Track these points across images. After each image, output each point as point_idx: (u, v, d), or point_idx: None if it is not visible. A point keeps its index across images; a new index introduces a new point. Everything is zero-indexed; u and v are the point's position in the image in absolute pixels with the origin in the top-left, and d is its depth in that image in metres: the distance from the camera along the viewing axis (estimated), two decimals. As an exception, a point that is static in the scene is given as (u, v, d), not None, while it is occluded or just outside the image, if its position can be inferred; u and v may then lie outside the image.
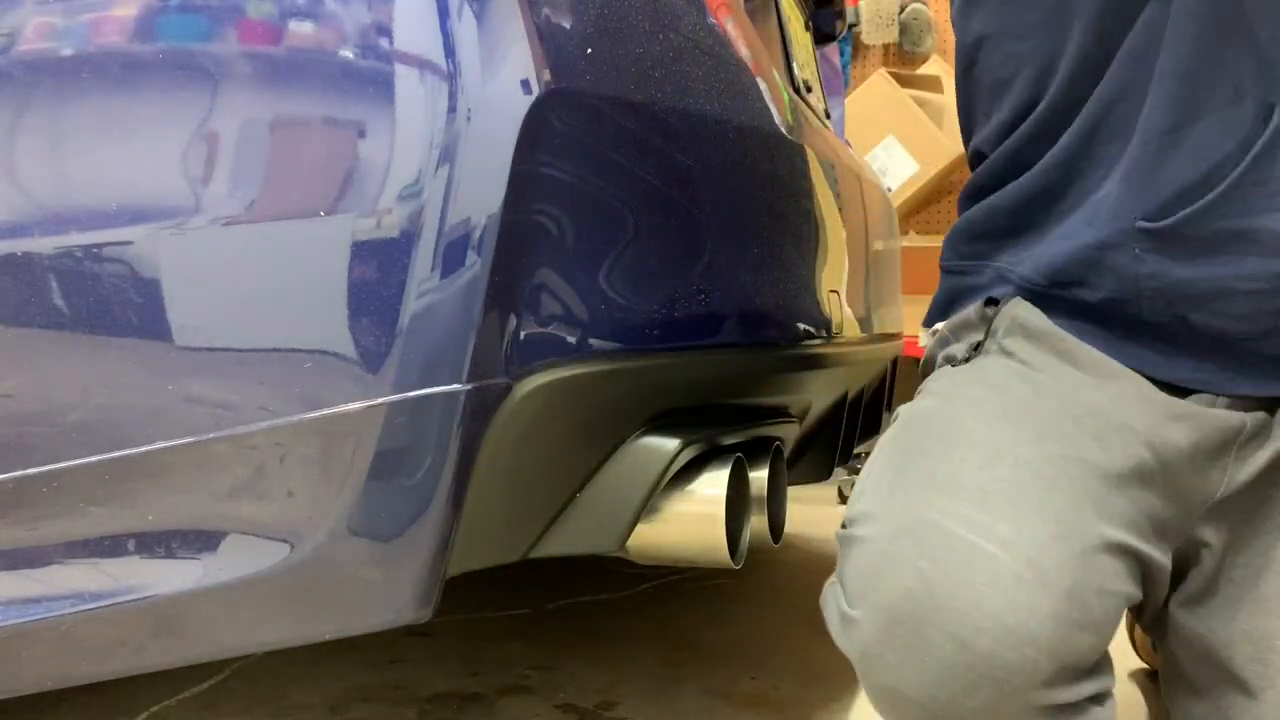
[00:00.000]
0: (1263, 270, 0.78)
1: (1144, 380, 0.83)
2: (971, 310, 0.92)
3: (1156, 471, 0.81)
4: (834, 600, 0.79)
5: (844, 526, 0.80)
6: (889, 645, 0.73)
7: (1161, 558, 0.82)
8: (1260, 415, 0.83)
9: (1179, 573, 0.88)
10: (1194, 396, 0.83)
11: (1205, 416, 0.82)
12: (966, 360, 0.89)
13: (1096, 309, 0.84)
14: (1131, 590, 0.79)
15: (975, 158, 0.95)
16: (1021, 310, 0.87)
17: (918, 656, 0.72)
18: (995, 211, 0.90)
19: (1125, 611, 0.77)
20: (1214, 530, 0.85)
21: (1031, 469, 0.77)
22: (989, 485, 0.76)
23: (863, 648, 0.75)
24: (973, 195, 0.94)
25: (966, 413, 0.83)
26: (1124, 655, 1.33)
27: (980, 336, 0.89)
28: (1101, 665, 0.78)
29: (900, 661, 0.73)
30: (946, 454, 0.79)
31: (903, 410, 0.89)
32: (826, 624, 0.80)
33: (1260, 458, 0.83)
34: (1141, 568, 0.80)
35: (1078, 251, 0.83)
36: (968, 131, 0.97)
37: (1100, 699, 0.78)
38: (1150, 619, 0.92)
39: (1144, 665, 1.34)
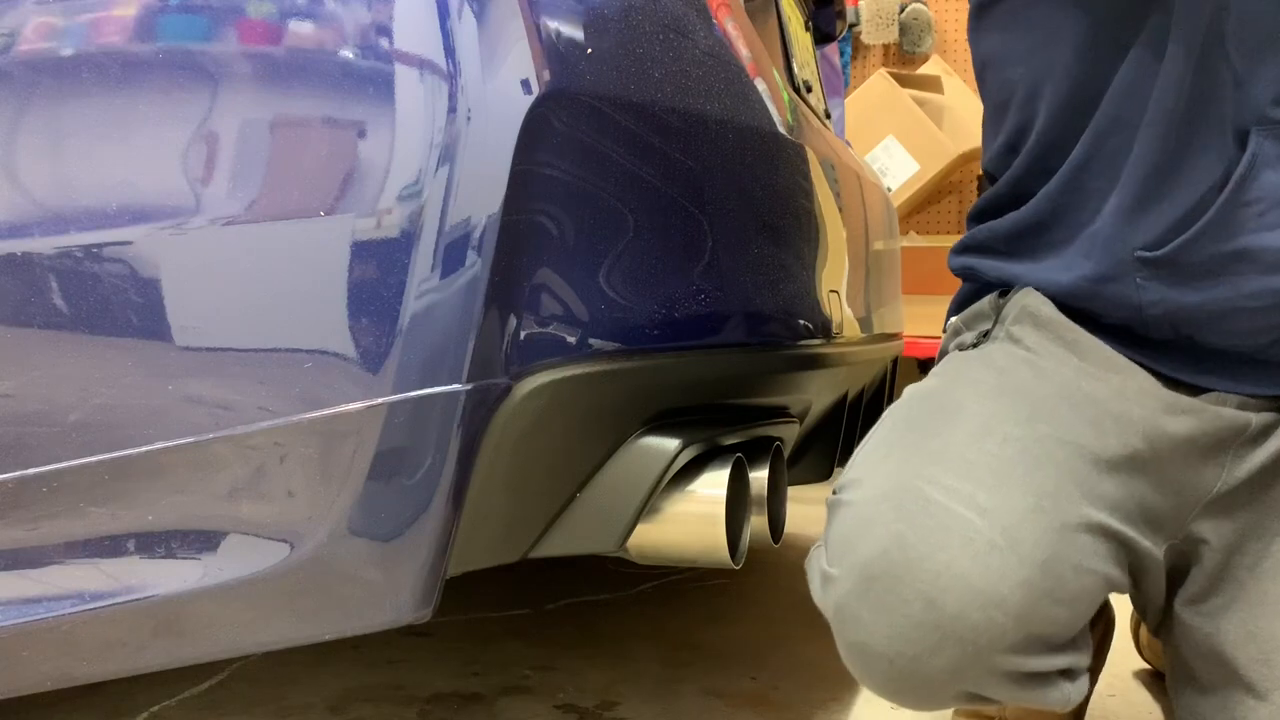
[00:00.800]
0: (1264, 287, 0.79)
1: (1148, 375, 0.84)
2: (985, 302, 0.94)
3: (1150, 461, 0.82)
4: (817, 561, 0.81)
5: (834, 493, 0.83)
6: (863, 602, 0.75)
7: (1151, 546, 0.83)
8: (1269, 415, 0.84)
9: (1182, 572, 0.88)
10: (1206, 395, 0.84)
11: (1208, 413, 0.83)
12: (975, 346, 0.91)
13: (1104, 328, 0.86)
14: (1113, 572, 0.80)
15: (987, 179, 0.97)
16: (1031, 299, 0.88)
17: (888, 613, 0.74)
18: (996, 235, 0.93)
19: (1131, 613, 0.78)
20: (1214, 528, 0.85)
21: (1020, 446, 0.78)
22: (975, 457, 0.78)
23: (838, 603, 0.78)
24: (977, 217, 0.97)
25: (965, 391, 0.85)
26: (1128, 656, 1.33)
27: (990, 324, 0.92)
28: (1077, 642, 0.80)
29: (872, 618, 0.75)
30: (938, 428, 0.81)
31: (907, 389, 0.91)
32: (809, 584, 0.82)
33: (1260, 455, 0.84)
34: (1127, 554, 0.82)
35: (1078, 285, 0.85)
36: (984, 150, 0.99)
37: (1071, 674, 0.80)
38: (1155, 620, 0.92)
39: (1148, 666, 1.34)
